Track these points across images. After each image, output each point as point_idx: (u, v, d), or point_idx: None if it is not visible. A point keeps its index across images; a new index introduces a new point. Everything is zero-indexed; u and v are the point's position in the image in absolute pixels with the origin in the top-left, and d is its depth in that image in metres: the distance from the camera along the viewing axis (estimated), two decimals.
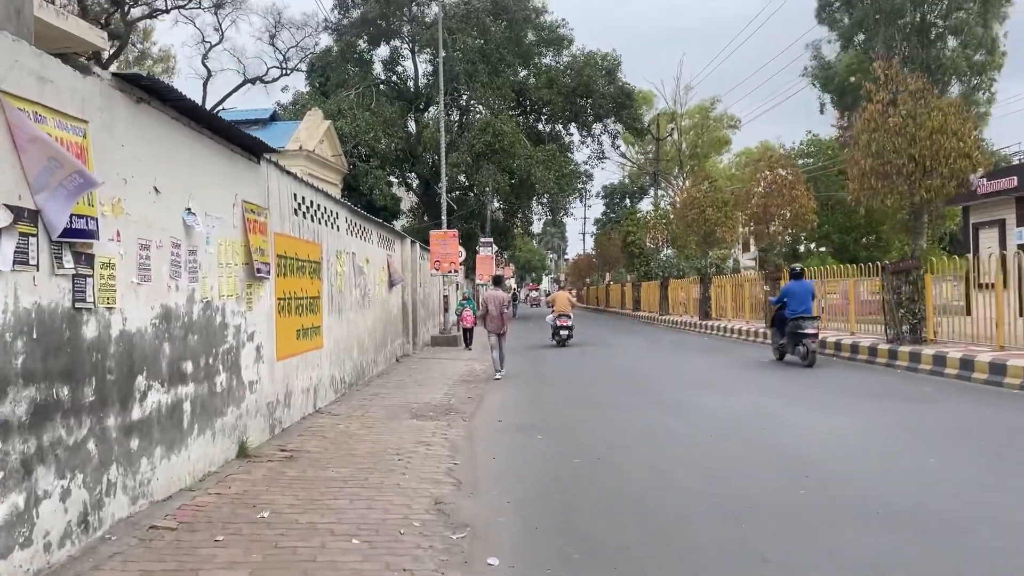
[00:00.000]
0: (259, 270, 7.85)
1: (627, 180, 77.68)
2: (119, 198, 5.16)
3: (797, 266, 15.75)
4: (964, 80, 39.73)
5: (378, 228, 15.55)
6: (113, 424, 5.04)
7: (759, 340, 20.34)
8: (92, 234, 4.69)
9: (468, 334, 21.77)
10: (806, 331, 14.35)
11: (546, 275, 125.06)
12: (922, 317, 13.62)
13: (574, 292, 53.49)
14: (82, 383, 4.69)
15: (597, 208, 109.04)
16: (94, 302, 4.82)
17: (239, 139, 7.30)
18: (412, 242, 20.26)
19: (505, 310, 14.78)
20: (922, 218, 36.40)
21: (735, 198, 25.14)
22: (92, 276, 4.80)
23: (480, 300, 17.61)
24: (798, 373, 14.16)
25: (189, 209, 6.24)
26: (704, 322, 25.80)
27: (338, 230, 11.81)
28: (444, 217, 24.75)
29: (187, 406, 6.20)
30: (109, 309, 5.02)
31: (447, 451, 7.91)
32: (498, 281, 17.96)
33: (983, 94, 40.50)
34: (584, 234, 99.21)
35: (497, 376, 14.57)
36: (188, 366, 6.22)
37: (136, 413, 5.35)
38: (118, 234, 5.14)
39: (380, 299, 15.51)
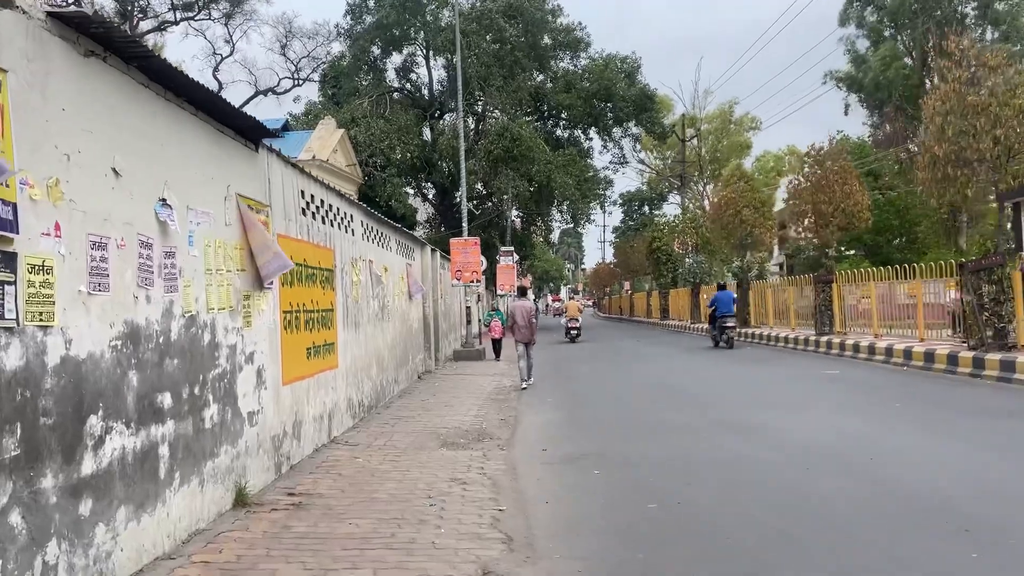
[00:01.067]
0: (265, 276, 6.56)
1: (645, 187, 76.37)
2: (57, 179, 3.85)
3: (722, 281, 19.07)
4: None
5: (397, 234, 14.26)
6: (51, 485, 3.71)
7: (811, 348, 18.97)
8: (6, 225, 3.37)
9: (497, 345, 21.82)
10: (728, 324, 21.09)
11: (564, 285, 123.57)
12: (1009, 320, 12.10)
13: (592, 301, 55.85)
14: None
15: (615, 216, 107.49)
16: (17, 319, 3.51)
17: (231, 118, 6.00)
18: (432, 250, 18.96)
19: (533, 320, 14.91)
20: (960, 216, 34.78)
21: (769, 200, 23.78)
22: (14, 283, 3.48)
23: (507, 311, 17.73)
24: (875, 387, 12.71)
25: (164, 200, 4.94)
26: (743, 330, 24.30)
27: (353, 234, 10.52)
28: (465, 224, 23.43)
29: (164, 450, 4.88)
30: (44, 328, 3.70)
31: (488, 492, 6.53)
32: (523, 292, 18.90)
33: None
34: (603, 242, 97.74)
35: (524, 386, 14.47)
36: (166, 399, 4.90)
37: (88, 466, 4.02)
38: (57, 227, 3.84)
39: (400, 311, 14.21)
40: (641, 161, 69.68)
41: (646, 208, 79.92)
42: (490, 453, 8.27)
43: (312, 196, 8.59)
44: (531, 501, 6.32)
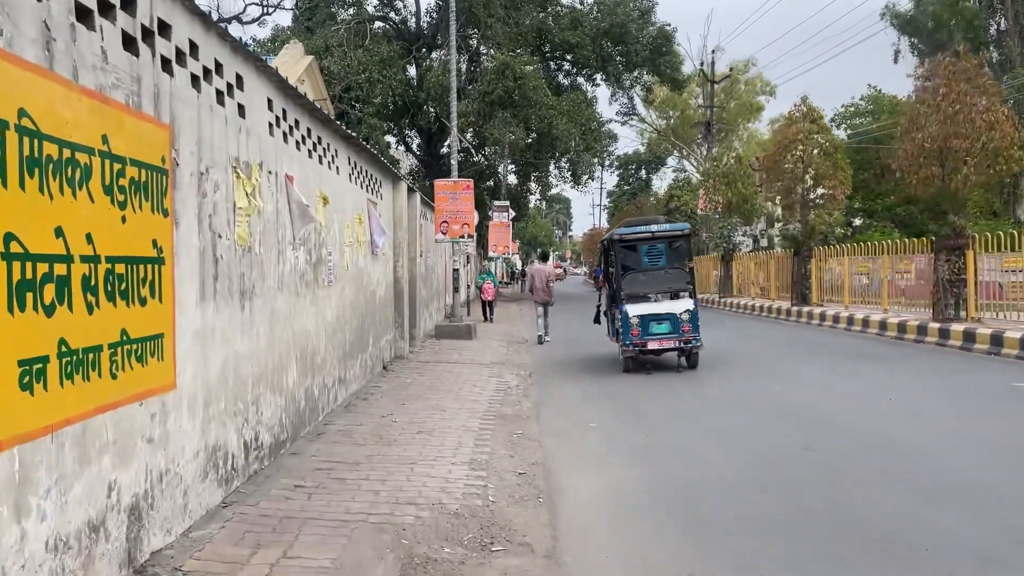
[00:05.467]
0: None
1: (644, 148, 71.34)
2: None
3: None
4: None
5: (350, 147, 9.08)
6: None
7: (932, 341, 13.41)
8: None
9: (488, 307, 21.45)
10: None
11: (553, 252, 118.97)
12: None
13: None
14: None
15: (609, 181, 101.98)
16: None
17: None
18: (410, 189, 13.79)
19: (550, 283, 15.96)
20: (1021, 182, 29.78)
21: (842, 146, 18.61)
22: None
23: (528, 274, 17.88)
24: None
25: None
26: (802, 308, 19.28)
27: (243, 115, 5.36)
28: (455, 159, 18.15)
29: None
30: None
31: None
32: (544, 257, 20.39)
33: None
34: (599, 206, 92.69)
35: (541, 343, 15.49)
36: None
37: None
38: None
39: (354, 272, 9.11)
40: (642, 120, 64.54)
41: (643, 172, 75.27)
42: None
43: None
44: None
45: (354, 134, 8.89)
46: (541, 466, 6.21)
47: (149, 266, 3.86)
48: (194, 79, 4.55)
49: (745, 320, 20.81)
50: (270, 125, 6.01)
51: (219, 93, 4.94)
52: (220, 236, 4.87)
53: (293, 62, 27.71)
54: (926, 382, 10.44)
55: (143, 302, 3.78)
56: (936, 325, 13.29)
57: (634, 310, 11.10)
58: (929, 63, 14.20)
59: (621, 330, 11.29)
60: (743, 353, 13.51)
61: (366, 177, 10.07)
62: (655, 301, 11.31)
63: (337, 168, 8.34)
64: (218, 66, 4.91)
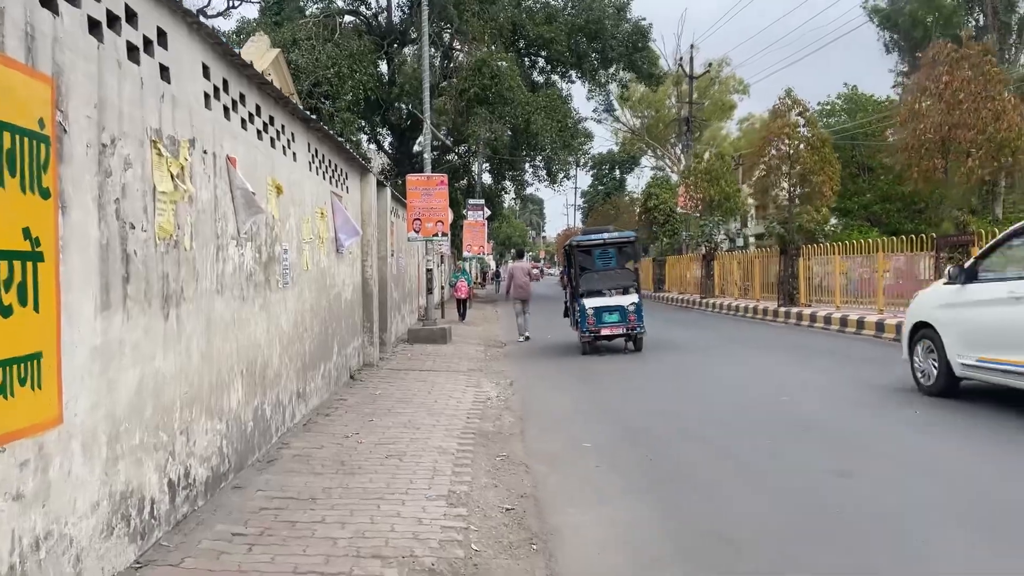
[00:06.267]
0: None
1: (618, 148, 71.04)
2: None
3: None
4: None
5: (310, 132, 8.09)
6: None
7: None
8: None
9: (462, 306, 21.49)
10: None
11: (528, 252, 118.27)
12: None
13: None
14: None
15: (583, 181, 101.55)
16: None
17: None
18: (380, 183, 12.81)
19: (528, 280, 16.24)
20: (999, 182, 29.52)
21: (828, 139, 17.84)
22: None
23: (507, 271, 18.01)
24: None
25: None
26: (790, 309, 18.52)
27: (165, 77, 4.36)
28: (428, 154, 17.14)
29: None
30: None
31: None
32: (520, 254, 20.58)
33: None
34: (573, 206, 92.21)
35: (520, 339, 15.76)
36: None
37: None
38: None
39: (314, 273, 8.11)
40: (617, 119, 64.08)
41: (617, 172, 75.10)
42: None
43: None
44: None
45: (314, 117, 7.89)
46: (531, 499, 5.28)
47: (16, 263, 2.87)
48: (93, 24, 3.56)
49: (728, 322, 20.00)
50: (206, 96, 5.03)
51: (132, 48, 3.95)
52: (133, 227, 3.87)
53: (259, 55, 26.45)
54: None
55: (4, 312, 2.79)
56: None
57: (590, 303, 13.24)
58: (933, 46, 13.41)
59: (579, 320, 13.38)
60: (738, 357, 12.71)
61: (329, 167, 9.07)
62: (607, 296, 13.45)
63: (294, 154, 7.35)
64: (131, 13, 3.93)
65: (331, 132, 8.65)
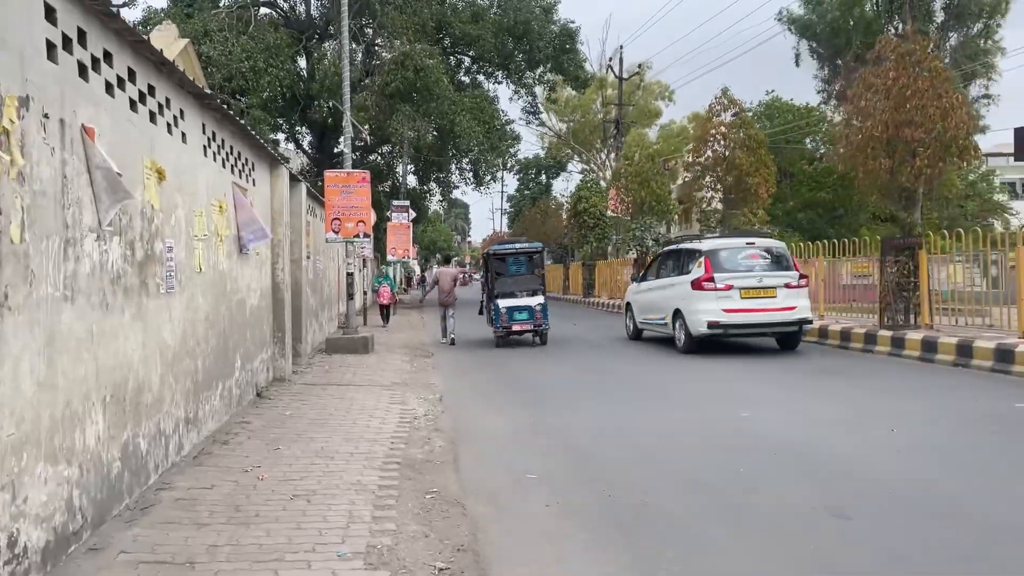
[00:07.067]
0: None
1: (544, 152, 70.85)
2: None
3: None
4: (969, 26, 33.57)
5: (208, 113, 6.90)
6: None
7: (885, 351, 12.12)
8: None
9: (385, 311, 21.49)
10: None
11: (454, 258, 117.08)
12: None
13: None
14: None
15: (510, 185, 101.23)
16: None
17: None
18: (295, 178, 11.61)
19: (455, 283, 16.42)
20: (917, 189, 30.11)
21: (764, 141, 17.41)
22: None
23: (432, 276, 18.37)
24: None
25: None
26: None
27: None
28: (347, 148, 15.92)
29: None
30: None
31: None
32: (447, 259, 23.03)
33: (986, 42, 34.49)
34: (499, 210, 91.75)
35: (443, 341, 16.04)
36: None
37: None
38: None
39: (210, 276, 6.93)
40: (542, 123, 63.71)
41: (543, 177, 75.13)
42: None
43: None
44: None
45: (211, 93, 6.72)
46: (470, 553, 4.28)
47: None
48: None
49: None
50: (49, 45, 3.87)
51: None
52: None
53: (165, 45, 24.67)
54: (925, 403, 9.07)
55: None
56: (887, 333, 12.02)
57: (504, 303, 15.01)
58: (879, 40, 13.03)
59: (495, 317, 15.18)
60: None
61: (231, 154, 7.89)
62: (518, 297, 15.14)
63: (183, 134, 6.18)
64: None
65: (232, 114, 7.47)
